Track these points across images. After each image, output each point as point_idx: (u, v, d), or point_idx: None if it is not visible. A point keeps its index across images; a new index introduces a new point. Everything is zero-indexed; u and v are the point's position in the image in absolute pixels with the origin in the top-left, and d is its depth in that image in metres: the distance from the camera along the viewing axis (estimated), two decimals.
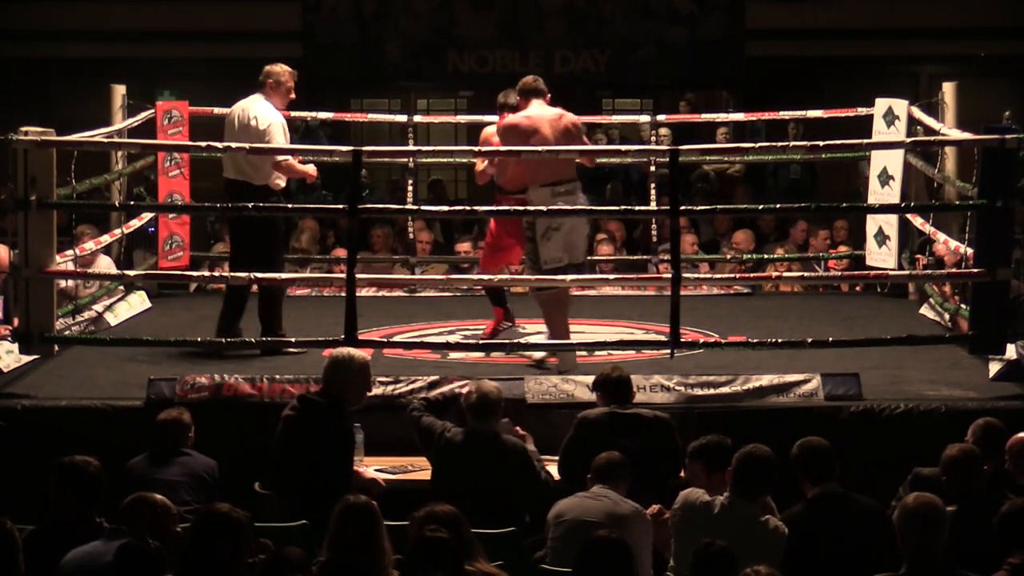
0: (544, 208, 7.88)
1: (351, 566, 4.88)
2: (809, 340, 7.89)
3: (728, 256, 11.60)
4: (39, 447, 6.89)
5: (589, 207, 8.48)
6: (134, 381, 7.70)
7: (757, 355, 8.10)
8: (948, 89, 10.48)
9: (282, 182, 8.50)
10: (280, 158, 8.34)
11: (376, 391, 7.09)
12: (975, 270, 7.75)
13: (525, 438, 6.79)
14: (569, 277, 7.92)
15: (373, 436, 7.02)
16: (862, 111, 10.51)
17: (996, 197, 7.56)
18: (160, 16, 15.30)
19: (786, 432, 6.31)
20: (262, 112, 8.42)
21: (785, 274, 11.13)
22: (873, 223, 10.20)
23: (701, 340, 8.70)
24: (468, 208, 7.83)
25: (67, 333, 8.56)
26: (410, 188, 11.11)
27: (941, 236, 9.34)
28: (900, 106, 9.96)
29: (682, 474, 6.34)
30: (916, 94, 12.67)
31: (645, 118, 11.88)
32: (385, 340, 8.54)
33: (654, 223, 11.26)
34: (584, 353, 8.34)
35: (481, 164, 8.65)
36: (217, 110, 9.87)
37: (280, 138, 8.40)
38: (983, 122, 8.33)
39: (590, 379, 7.26)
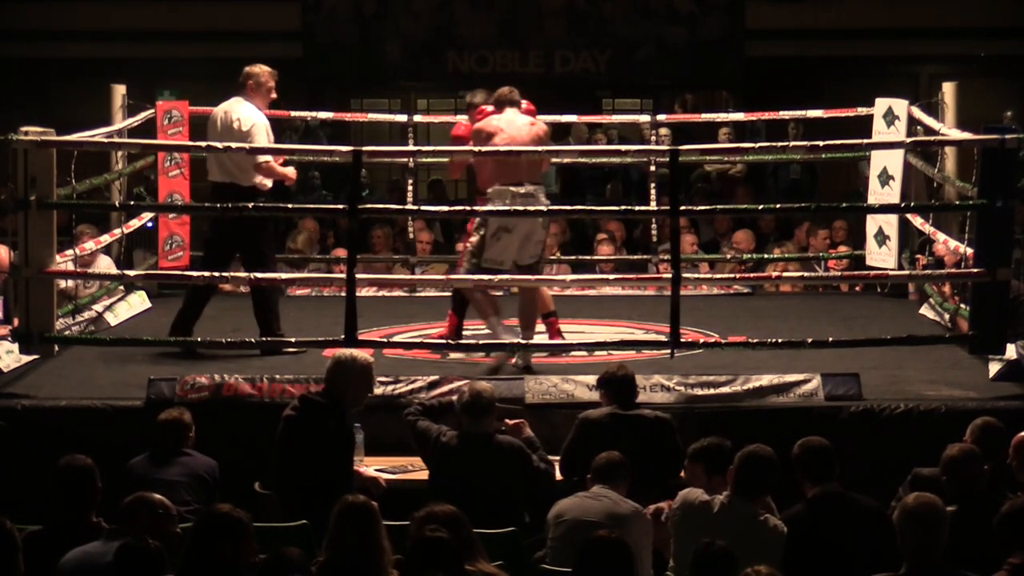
0: (544, 207, 7.92)
1: (350, 566, 4.89)
2: (809, 340, 7.89)
3: (728, 256, 11.61)
4: (39, 447, 6.89)
5: (579, 207, 8.49)
6: (134, 381, 7.70)
7: (757, 355, 8.09)
8: (948, 89, 10.48)
9: (268, 183, 8.52)
10: (261, 159, 8.37)
11: (376, 391, 7.09)
12: (975, 270, 7.75)
13: (520, 426, 6.76)
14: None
15: (373, 436, 7.02)
16: (862, 111, 10.51)
17: (996, 197, 7.56)
18: (160, 16, 15.31)
19: (786, 432, 6.32)
20: (245, 113, 8.45)
21: (785, 274, 11.13)
22: (873, 223, 10.19)
23: (701, 340, 8.70)
24: (468, 208, 7.84)
25: (67, 333, 8.56)
26: (410, 188, 11.11)
27: (941, 236, 9.34)
28: (900, 106, 9.96)
29: (682, 475, 6.33)
30: (916, 94, 12.67)
31: (645, 118, 11.88)
32: (385, 340, 8.54)
33: (654, 223, 11.25)
34: (584, 353, 8.35)
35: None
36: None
37: (263, 139, 8.42)
38: (983, 122, 8.33)
39: (590, 379, 7.27)
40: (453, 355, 8.45)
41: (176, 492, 6.13)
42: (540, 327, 8.47)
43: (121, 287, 9.99)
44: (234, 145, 8.24)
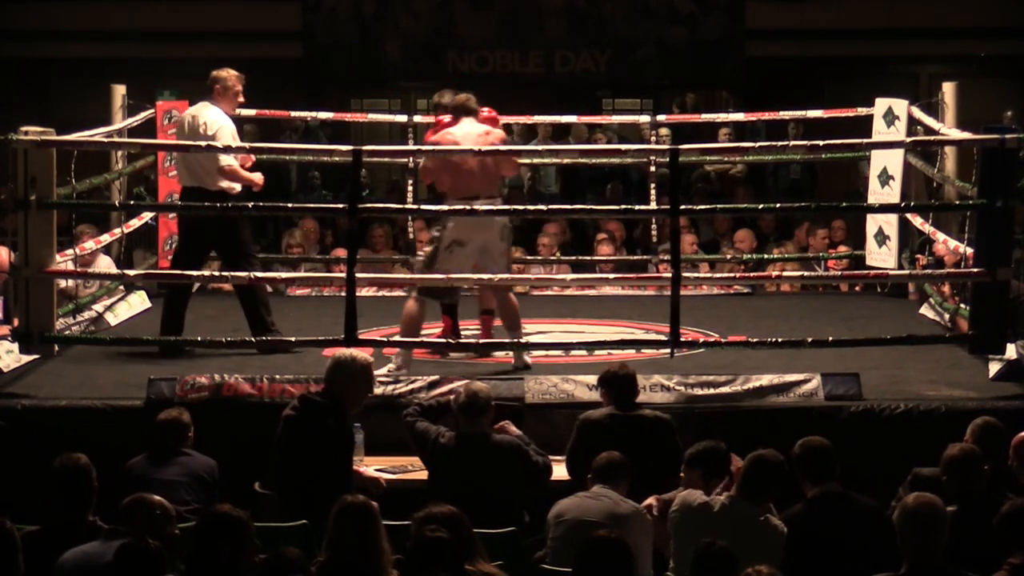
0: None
1: (350, 566, 4.89)
2: (809, 340, 7.89)
3: (728, 256, 11.61)
4: (39, 447, 6.88)
5: (579, 207, 8.49)
6: (134, 381, 7.69)
7: (757, 355, 8.10)
8: (948, 89, 10.48)
9: (237, 187, 8.52)
10: (224, 163, 8.38)
11: (376, 391, 7.09)
12: (975, 270, 7.75)
13: (504, 427, 6.72)
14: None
15: (373, 436, 7.02)
16: (862, 111, 10.51)
17: (996, 197, 7.56)
18: (160, 16, 15.31)
19: (786, 432, 6.32)
20: (211, 117, 8.47)
21: (785, 274, 11.13)
22: (873, 223, 10.20)
23: (701, 340, 8.70)
24: (468, 208, 7.83)
25: (67, 333, 8.56)
26: (410, 188, 11.11)
27: (941, 236, 9.34)
28: (900, 106, 9.96)
29: (681, 475, 6.33)
30: (916, 94, 12.68)
31: (645, 118, 11.86)
32: (385, 340, 8.53)
33: (654, 223, 11.25)
34: (584, 353, 8.35)
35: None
36: None
37: (229, 142, 8.43)
38: (983, 122, 8.33)
39: (590, 379, 7.27)
40: (453, 355, 8.46)
41: (175, 492, 6.13)
42: (527, 327, 8.47)
43: (121, 287, 9.99)
44: (234, 145, 8.23)
